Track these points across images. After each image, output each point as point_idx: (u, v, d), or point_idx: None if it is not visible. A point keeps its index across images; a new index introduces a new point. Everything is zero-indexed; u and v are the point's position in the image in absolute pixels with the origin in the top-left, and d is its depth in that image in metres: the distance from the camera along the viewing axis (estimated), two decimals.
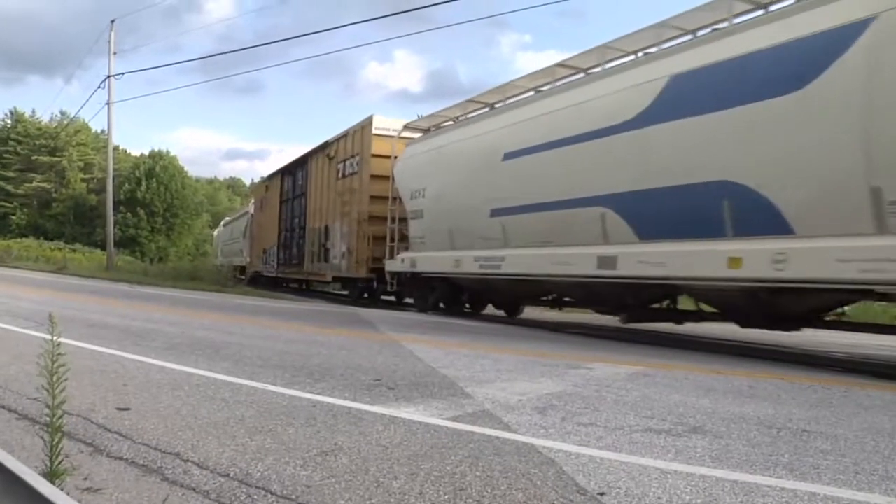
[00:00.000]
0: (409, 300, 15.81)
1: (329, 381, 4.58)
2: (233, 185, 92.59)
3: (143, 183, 54.27)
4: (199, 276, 24.48)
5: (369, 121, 15.74)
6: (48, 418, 2.39)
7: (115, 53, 29.50)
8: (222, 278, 24.29)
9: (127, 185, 53.46)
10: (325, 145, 18.30)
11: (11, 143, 55.92)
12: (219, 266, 32.55)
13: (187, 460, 2.71)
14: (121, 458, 2.73)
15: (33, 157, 55.81)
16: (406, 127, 14.91)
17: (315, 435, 3.14)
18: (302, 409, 3.68)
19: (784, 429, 3.63)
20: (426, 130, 14.36)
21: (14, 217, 53.98)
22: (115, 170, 34.40)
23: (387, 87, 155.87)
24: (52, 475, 2.29)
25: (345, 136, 17.09)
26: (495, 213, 10.99)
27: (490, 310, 14.97)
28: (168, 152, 59.00)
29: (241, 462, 2.69)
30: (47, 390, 2.38)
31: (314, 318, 11.14)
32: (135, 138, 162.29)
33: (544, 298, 12.46)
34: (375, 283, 15.65)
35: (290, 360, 5.62)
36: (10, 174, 55.24)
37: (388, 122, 15.63)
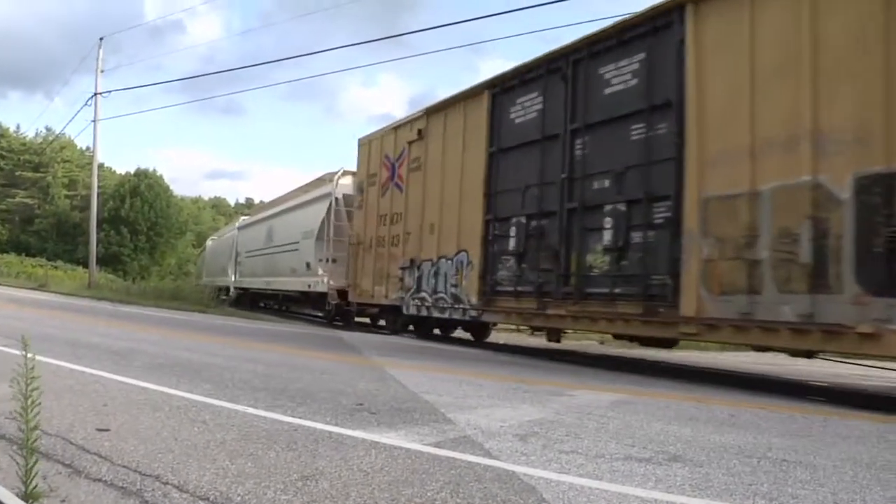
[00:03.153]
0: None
1: (311, 405, 4.56)
2: (217, 204, 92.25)
3: (128, 201, 53.96)
4: (181, 295, 24.15)
5: None
6: (22, 441, 2.36)
7: (102, 71, 29.50)
8: (206, 299, 22.58)
9: (111, 202, 53.13)
10: None
11: None
12: (208, 288, 25.92)
13: (167, 483, 2.68)
14: (99, 480, 2.70)
15: (17, 173, 55.49)
16: None
17: (296, 459, 3.12)
18: (283, 433, 3.66)
19: (764, 458, 3.65)
20: None
21: None
22: (99, 187, 34.17)
23: (368, 111, 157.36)
24: (27, 497, 2.27)
25: None
26: None
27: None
28: (154, 171, 58.81)
29: (221, 486, 2.67)
30: (21, 415, 2.37)
31: (296, 341, 11.09)
32: (119, 156, 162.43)
33: None
34: None
35: (272, 382, 5.59)
36: None
37: None
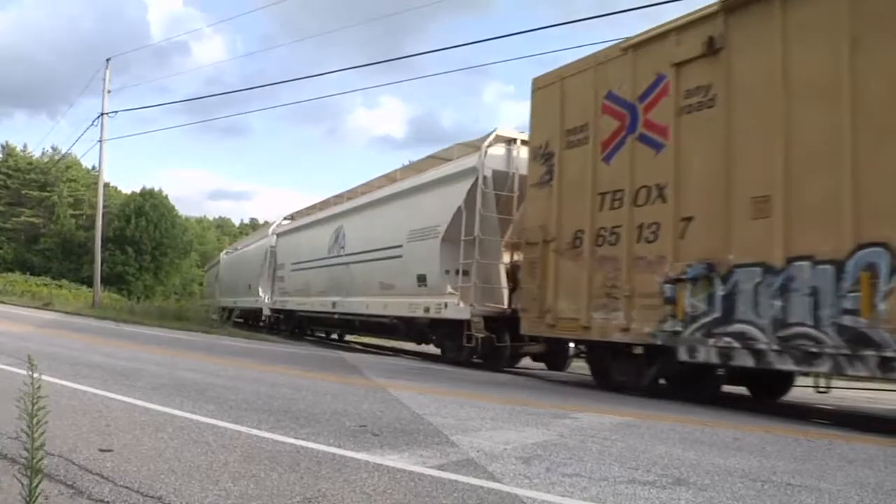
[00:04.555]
0: None
1: (314, 427, 4.55)
2: (221, 224, 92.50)
3: (133, 221, 54.16)
4: (185, 315, 24.10)
5: None
6: (26, 461, 2.37)
7: (109, 92, 29.75)
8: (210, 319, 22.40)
9: (116, 222, 53.31)
10: None
11: (1, 176, 55.98)
12: (212, 307, 23.82)
13: None
14: (102, 501, 2.70)
15: (23, 192, 55.82)
16: None
17: (299, 481, 3.12)
18: (286, 455, 3.65)
19: (768, 482, 3.63)
20: None
21: (0, 251, 53.62)
22: (104, 207, 34.29)
23: (370, 132, 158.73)
24: None
25: None
26: None
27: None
28: (160, 191, 59.07)
29: None
30: (27, 433, 2.37)
31: (300, 362, 11.07)
32: (124, 176, 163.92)
33: None
34: None
35: (276, 403, 5.58)
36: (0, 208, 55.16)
37: None
